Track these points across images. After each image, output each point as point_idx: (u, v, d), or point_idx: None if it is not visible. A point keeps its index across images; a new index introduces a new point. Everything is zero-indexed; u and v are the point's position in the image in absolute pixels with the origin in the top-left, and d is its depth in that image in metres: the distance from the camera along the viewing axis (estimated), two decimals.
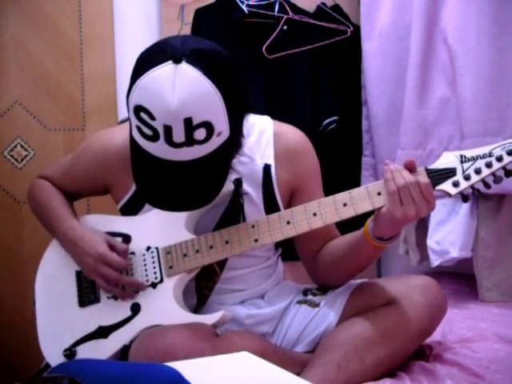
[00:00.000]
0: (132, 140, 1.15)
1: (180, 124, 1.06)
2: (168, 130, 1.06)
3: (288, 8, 2.11)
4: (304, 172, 1.35)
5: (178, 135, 1.07)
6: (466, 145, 1.76)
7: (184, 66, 1.06)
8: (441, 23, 1.86)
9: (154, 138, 1.09)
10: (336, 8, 2.20)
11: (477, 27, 1.75)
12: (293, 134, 1.37)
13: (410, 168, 1.17)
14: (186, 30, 2.13)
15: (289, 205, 1.34)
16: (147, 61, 1.09)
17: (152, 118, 1.07)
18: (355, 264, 1.31)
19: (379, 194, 1.19)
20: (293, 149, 1.34)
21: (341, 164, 2.13)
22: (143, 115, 1.08)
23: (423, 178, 1.15)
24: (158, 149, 1.10)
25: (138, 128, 1.10)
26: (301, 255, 1.41)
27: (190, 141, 1.08)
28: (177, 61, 1.06)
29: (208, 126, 1.08)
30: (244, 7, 2.07)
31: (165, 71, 1.06)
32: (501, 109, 1.74)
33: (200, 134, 1.08)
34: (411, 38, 1.91)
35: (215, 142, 1.11)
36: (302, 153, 1.36)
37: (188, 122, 1.06)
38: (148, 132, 1.09)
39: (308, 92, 2.14)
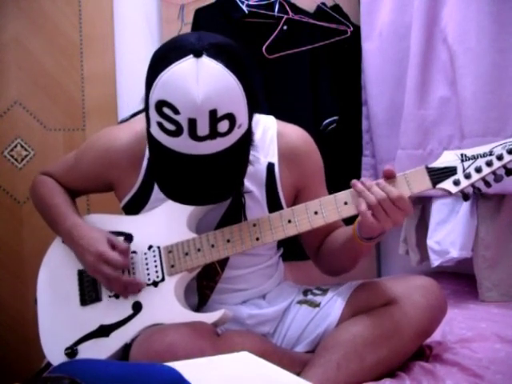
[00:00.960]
0: (150, 137, 1.15)
1: (205, 116, 1.06)
2: (192, 123, 1.07)
3: (288, 8, 2.11)
4: (308, 172, 1.36)
5: (203, 128, 1.07)
6: (466, 145, 1.76)
7: (205, 59, 1.07)
8: (441, 23, 1.86)
9: (176, 132, 1.09)
10: (336, 8, 2.20)
11: (477, 27, 1.75)
12: (296, 134, 1.38)
13: (389, 176, 1.18)
14: (186, 30, 2.12)
15: (294, 204, 1.33)
16: (165, 57, 1.09)
17: (176, 112, 1.07)
18: (351, 257, 1.32)
19: None
20: (296, 148, 1.35)
21: (341, 164, 2.13)
22: (166, 110, 1.08)
23: (394, 191, 1.15)
24: (181, 143, 1.10)
25: (159, 124, 1.10)
26: (306, 247, 1.43)
27: (213, 133, 1.08)
28: (197, 54, 1.07)
29: (231, 118, 1.09)
30: (244, 7, 2.07)
31: (187, 65, 1.06)
32: (501, 109, 1.73)
33: (223, 126, 1.08)
34: (411, 37, 1.91)
35: (236, 135, 1.12)
36: (306, 152, 1.36)
37: (213, 113, 1.06)
38: (170, 127, 1.09)
39: (308, 92, 2.14)
